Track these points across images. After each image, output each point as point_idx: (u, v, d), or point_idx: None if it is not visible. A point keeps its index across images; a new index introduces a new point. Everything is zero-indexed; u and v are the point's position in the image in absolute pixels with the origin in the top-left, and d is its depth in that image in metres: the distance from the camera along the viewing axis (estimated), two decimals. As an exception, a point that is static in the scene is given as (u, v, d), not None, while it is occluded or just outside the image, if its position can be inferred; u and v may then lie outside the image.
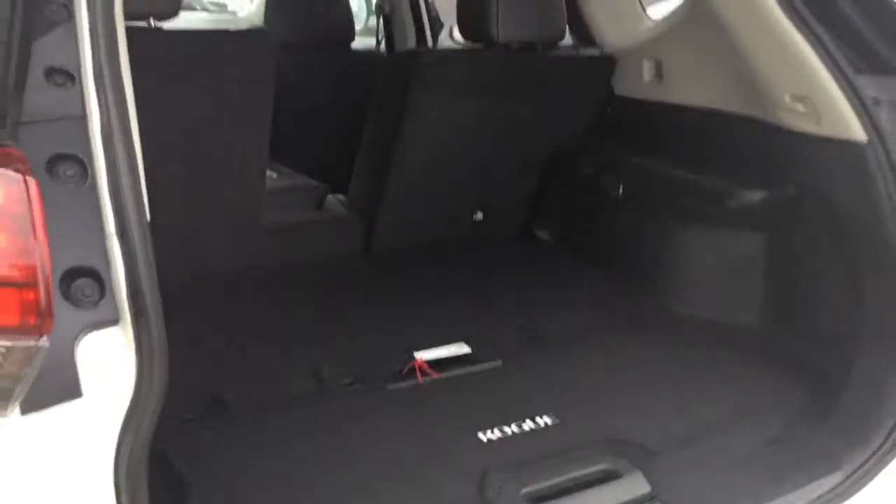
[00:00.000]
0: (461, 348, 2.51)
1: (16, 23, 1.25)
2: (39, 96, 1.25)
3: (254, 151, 2.82)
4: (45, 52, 1.28)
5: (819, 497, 1.90)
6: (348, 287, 3.01)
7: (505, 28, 2.89)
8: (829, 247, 2.37)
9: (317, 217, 3.29)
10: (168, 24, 2.55)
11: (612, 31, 3.22)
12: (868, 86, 2.12)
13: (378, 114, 3.18)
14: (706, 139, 2.78)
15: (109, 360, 1.24)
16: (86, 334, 1.21)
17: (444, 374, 2.39)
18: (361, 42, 4.36)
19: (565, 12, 3.06)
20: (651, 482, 1.90)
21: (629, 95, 3.16)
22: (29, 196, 1.14)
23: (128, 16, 1.62)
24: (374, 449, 2.04)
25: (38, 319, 1.14)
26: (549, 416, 2.18)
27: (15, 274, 1.13)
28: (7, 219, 1.13)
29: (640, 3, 3.18)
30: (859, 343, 2.20)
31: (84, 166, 1.25)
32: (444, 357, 2.46)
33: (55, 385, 1.19)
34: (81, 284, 1.22)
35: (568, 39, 3.24)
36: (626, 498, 1.87)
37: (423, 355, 2.44)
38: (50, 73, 1.27)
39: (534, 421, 2.16)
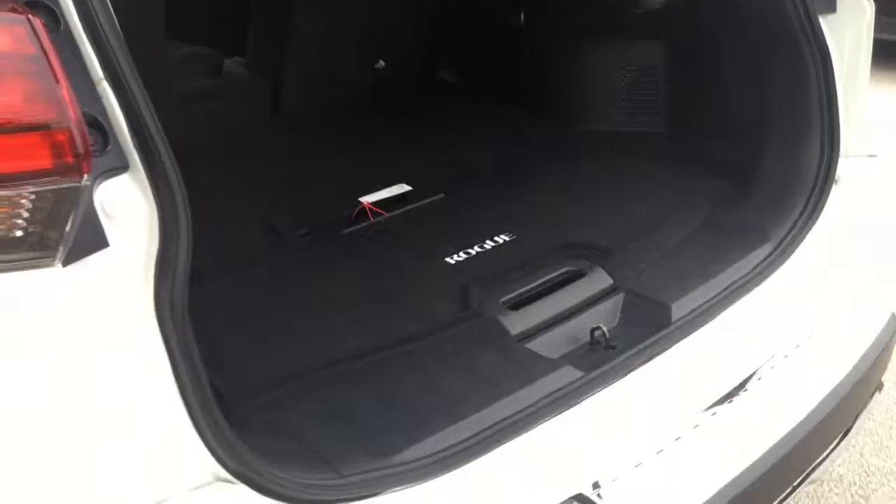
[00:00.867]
0: (402, 188, 2.59)
1: None
2: None
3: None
4: None
5: (755, 268, 2.11)
6: (272, 147, 2.99)
7: None
8: (730, 42, 2.53)
9: (222, 83, 3.22)
10: None
11: None
12: None
13: None
14: None
15: (129, 209, 1.21)
16: (101, 182, 1.18)
17: (394, 212, 2.49)
18: None
19: None
20: (612, 276, 2.09)
21: None
22: (38, 35, 1.10)
23: None
24: (352, 284, 2.13)
25: (75, 159, 1.12)
26: (504, 234, 2.32)
27: (41, 117, 1.09)
28: (19, 61, 1.09)
29: None
30: (768, 127, 2.39)
31: (53, 12, 1.19)
32: (387, 197, 2.54)
33: (83, 235, 1.16)
34: None
35: None
36: (592, 292, 2.05)
37: (368, 199, 2.51)
38: None
39: (492, 240, 2.29)
